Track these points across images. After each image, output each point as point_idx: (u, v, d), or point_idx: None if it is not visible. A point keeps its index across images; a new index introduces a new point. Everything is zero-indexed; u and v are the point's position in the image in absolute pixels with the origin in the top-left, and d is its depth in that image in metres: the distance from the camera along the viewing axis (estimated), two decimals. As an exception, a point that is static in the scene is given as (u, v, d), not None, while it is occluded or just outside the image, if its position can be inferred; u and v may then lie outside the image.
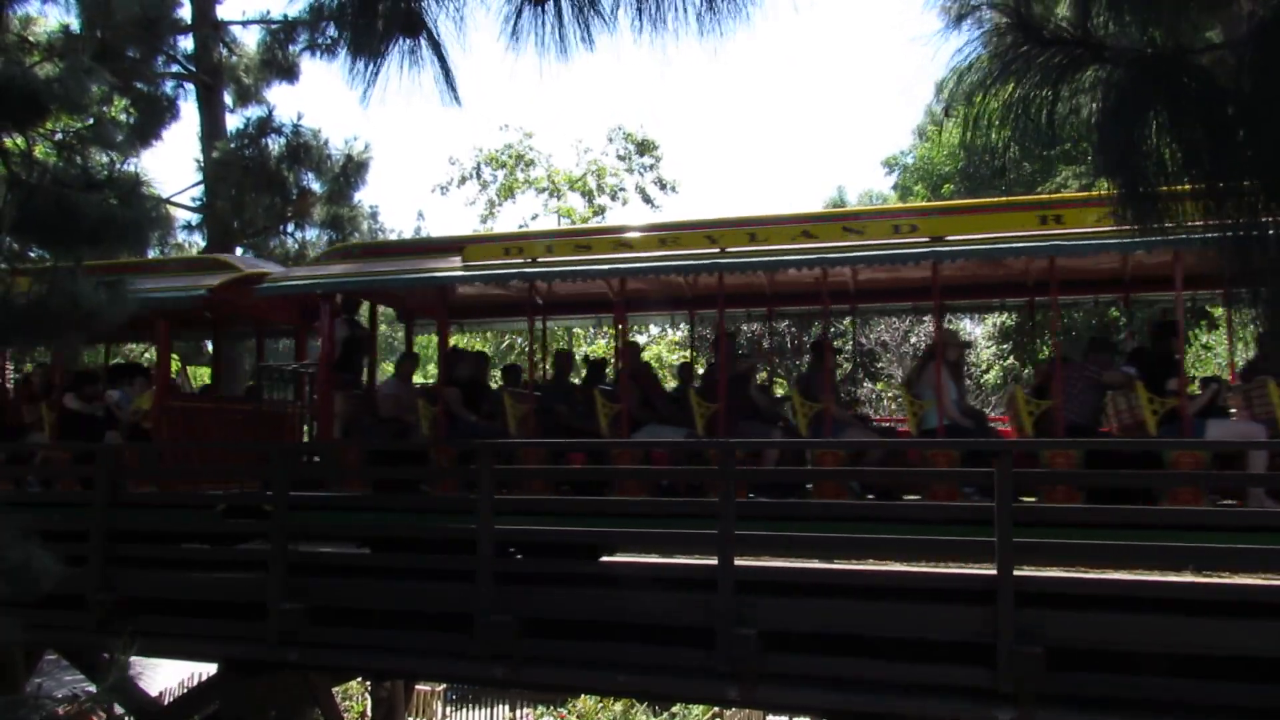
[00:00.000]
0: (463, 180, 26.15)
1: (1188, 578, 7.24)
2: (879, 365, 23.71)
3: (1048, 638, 5.92)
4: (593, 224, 24.50)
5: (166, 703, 11.39)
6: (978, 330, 26.16)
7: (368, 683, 14.57)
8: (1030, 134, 2.10)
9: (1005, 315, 24.06)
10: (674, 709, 15.17)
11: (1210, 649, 5.80)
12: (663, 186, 26.23)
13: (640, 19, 2.24)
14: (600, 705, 15.30)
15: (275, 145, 15.31)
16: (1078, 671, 5.96)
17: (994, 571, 6.02)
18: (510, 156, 25.75)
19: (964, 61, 2.32)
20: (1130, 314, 10.96)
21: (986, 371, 24.25)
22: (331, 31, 14.18)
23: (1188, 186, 2.03)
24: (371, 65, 2.54)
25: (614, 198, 26.03)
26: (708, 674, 6.59)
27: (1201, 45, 2.04)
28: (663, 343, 24.22)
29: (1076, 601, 6.14)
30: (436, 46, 2.54)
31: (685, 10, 2.22)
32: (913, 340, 23.38)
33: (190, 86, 15.94)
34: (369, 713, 14.70)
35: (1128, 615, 5.96)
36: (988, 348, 24.88)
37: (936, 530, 6.65)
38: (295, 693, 9.56)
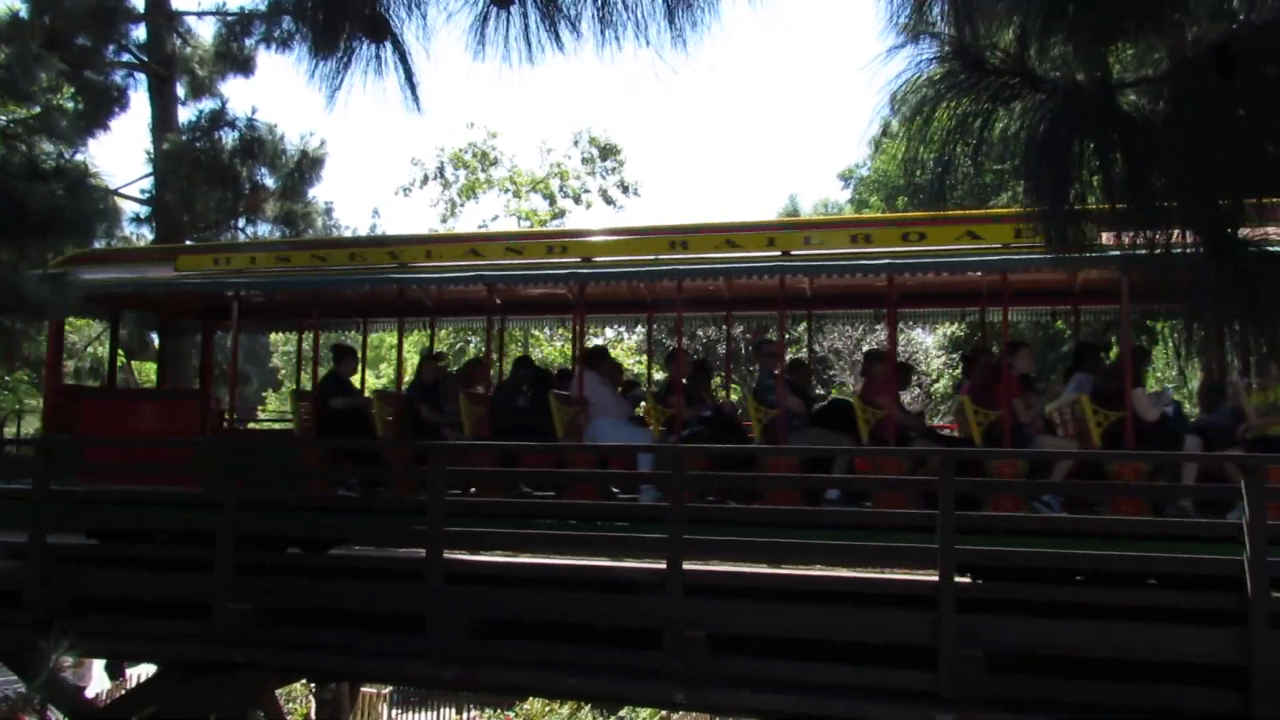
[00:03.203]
0: (425, 181, 26.01)
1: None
2: (831, 373, 23.98)
3: (989, 642, 6.07)
4: (553, 226, 24.52)
5: (103, 704, 11.17)
6: (929, 340, 26.58)
7: (312, 684, 14.41)
8: (963, 156, 2.20)
9: (955, 325, 24.47)
10: (622, 712, 15.21)
11: (1148, 653, 5.98)
12: (625, 189, 26.34)
13: (603, 31, 2.28)
14: (548, 708, 15.29)
15: (228, 139, 15.09)
16: (1017, 675, 6.10)
17: (936, 577, 6.16)
18: (474, 155, 25.65)
19: (919, 74, 2.41)
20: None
21: (936, 381, 24.63)
22: (288, 25, 14.02)
23: (1102, 206, 2.15)
24: (336, 70, 2.54)
25: (577, 200, 26.09)
26: (656, 676, 6.64)
27: (1132, 78, 2.15)
28: (619, 346, 24.26)
29: (1016, 606, 6.30)
30: (401, 53, 2.55)
31: (646, 26, 2.27)
32: (866, 348, 23.67)
33: (141, 76, 15.64)
34: (313, 715, 14.53)
35: (1066, 620, 6.13)
36: (938, 357, 25.28)
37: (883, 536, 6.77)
38: (237, 694, 9.41)
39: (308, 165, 15.67)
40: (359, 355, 10.23)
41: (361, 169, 71.91)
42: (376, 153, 75.39)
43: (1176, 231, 2.01)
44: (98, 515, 8.49)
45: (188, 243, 14.74)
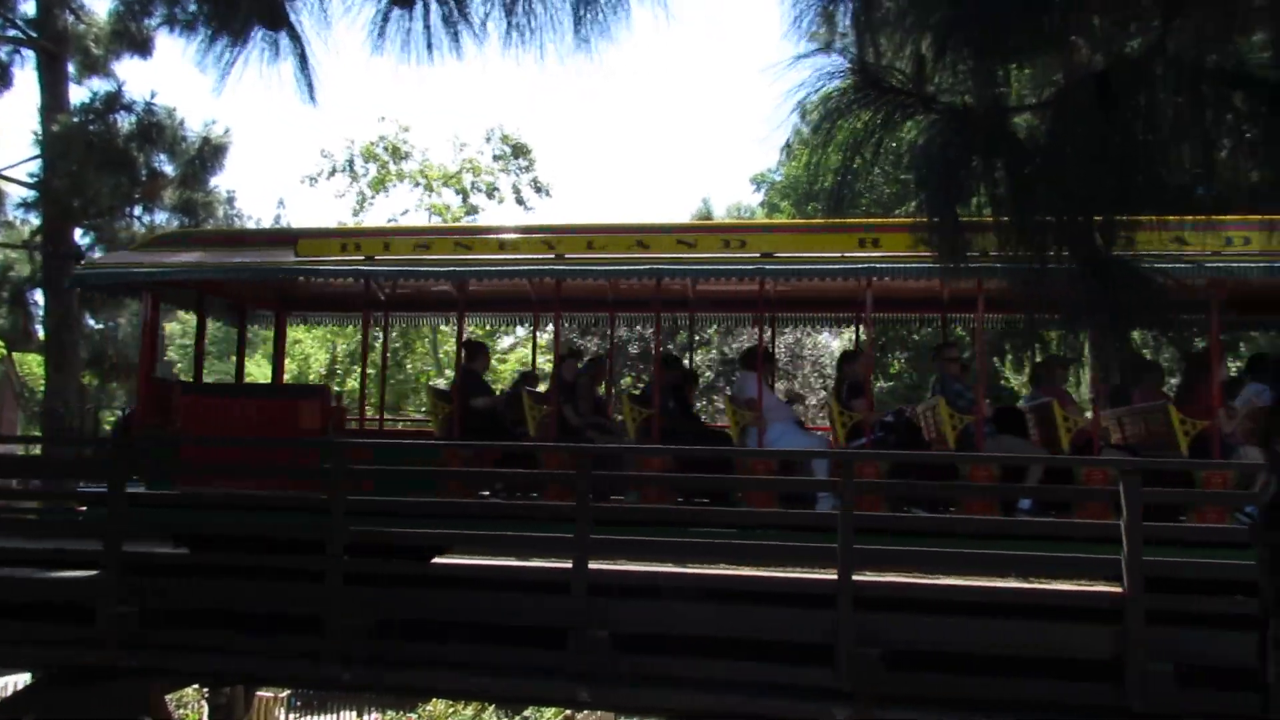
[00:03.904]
0: (333, 172, 25.49)
1: (1013, 583, 7.78)
2: (737, 376, 24.28)
3: (885, 640, 6.24)
4: (465, 222, 24.28)
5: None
6: (835, 344, 27.15)
7: (204, 689, 13.95)
8: (862, 169, 2.28)
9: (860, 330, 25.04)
10: (526, 711, 15.14)
11: (1033, 649, 6.22)
12: (538, 189, 26.28)
13: (510, 31, 2.28)
14: (451, 709, 15.13)
15: (124, 122, 14.48)
16: (912, 671, 6.29)
17: (835, 576, 6.31)
18: (386, 148, 25.24)
19: (822, 86, 2.47)
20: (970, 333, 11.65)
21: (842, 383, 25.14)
22: (191, 7, 13.52)
23: (989, 218, 2.25)
24: (228, 55, 2.47)
25: (490, 196, 25.92)
26: (560, 675, 6.64)
27: (1026, 102, 2.26)
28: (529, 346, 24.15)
29: (912, 605, 6.50)
30: (298, 42, 2.49)
31: (554, 28, 2.27)
32: (775, 352, 24.00)
33: (29, 53, 14.91)
34: (206, 720, 14.07)
35: (958, 618, 6.35)
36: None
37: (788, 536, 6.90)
38: (124, 700, 9.06)
39: (210, 153, 15.16)
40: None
41: (266, 158, 69.86)
42: (282, 142, 73.35)
43: (1055, 248, 2.13)
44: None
45: (78, 232, 14.12)
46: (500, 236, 8.70)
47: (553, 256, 8.09)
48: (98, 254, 15.18)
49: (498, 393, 9.47)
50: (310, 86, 2.52)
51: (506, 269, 8.13)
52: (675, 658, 6.56)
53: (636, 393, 8.75)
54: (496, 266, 8.13)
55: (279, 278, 8.60)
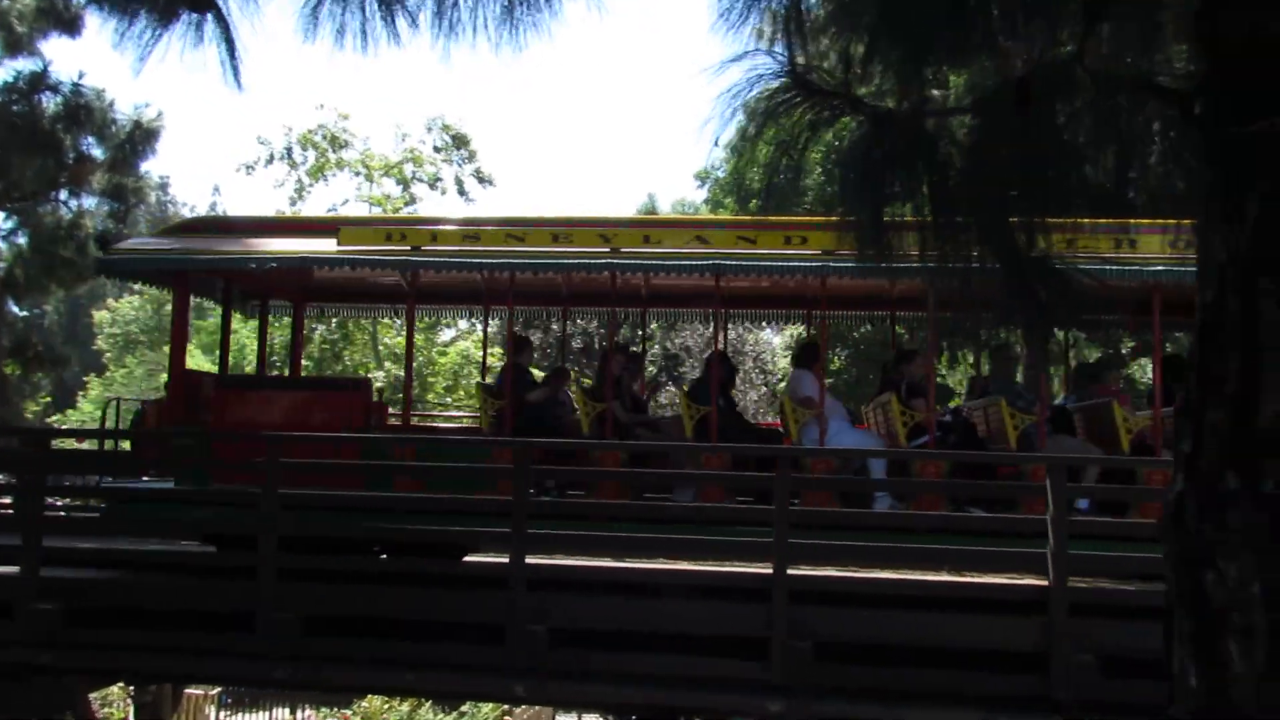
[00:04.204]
0: (270, 160, 24.93)
1: (944, 577, 7.94)
2: (682, 370, 24.41)
3: (816, 633, 6.32)
4: (405, 213, 23.95)
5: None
6: (776, 340, 27.44)
7: (131, 687, 13.62)
8: (793, 167, 2.31)
9: (801, 326, 25.36)
10: (463, 707, 15.05)
11: (963, 642, 6.35)
12: (481, 180, 26.06)
13: (439, 21, 2.24)
14: (387, 705, 14.97)
15: (50, 103, 14.02)
16: (843, 664, 6.38)
17: (770, 570, 6.38)
18: (324, 136, 24.77)
19: (753, 91, 2.49)
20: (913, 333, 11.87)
21: (782, 380, 25.45)
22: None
23: (910, 217, 2.30)
24: (149, 35, 2.39)
25: (432, 186, 25.62)
26: (496, 671, 6.60)
27: (939, 107, 2.31)
28: (471, 338, 23.96)
29: (843, 599, 6.59)
30: (225, 25, 2.42)
31: (483, 22, 2.25)
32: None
33: (-52, 29, 14.33)
34: (132, 719, 13.74)
35: (888, 611, 6.45)
36: (784, 357, 26.14)
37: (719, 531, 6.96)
38: (44, 699, 8.79)
39: (141, 137, 14.75)
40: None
41: (202, 145, 68.21)
42: (218, 128, 71.70)
43: (976, 248, 2.18)
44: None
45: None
46: (553, 229, 8.50)
47: (608, 250, 8.04)
48: (21, 239, 14.71)
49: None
50: (236, 71, 2.45)
51: (563, 261, 8.02)
52: (613, 652, 6.57)
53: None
54: (550, 259, 8.03)
55: (339, 269, 8.29)
